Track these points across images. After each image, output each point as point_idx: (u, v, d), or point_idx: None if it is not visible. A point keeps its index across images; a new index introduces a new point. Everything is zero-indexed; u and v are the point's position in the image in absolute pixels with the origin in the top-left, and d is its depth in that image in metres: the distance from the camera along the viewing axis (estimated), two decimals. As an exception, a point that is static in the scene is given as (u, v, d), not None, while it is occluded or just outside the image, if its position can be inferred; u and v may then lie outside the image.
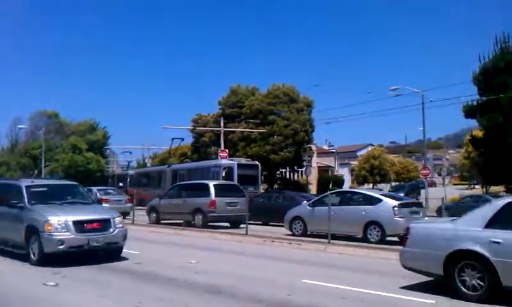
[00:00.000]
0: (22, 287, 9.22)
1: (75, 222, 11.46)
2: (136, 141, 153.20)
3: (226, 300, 8.22)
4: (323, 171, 71.88)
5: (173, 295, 8.54)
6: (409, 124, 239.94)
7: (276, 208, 24.69)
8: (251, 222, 20.73)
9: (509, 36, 33.49)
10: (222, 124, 49.85)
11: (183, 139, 53.52)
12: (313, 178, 58.38)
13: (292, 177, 57.84)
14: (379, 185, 64.86)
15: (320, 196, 20.68)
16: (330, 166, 76.53)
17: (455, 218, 9.26)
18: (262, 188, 41.82)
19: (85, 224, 11.67)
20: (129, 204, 30.05)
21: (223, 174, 35.60)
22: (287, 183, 53.10)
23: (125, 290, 9.06)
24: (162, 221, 24.34)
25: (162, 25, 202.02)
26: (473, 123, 38.11)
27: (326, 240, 15.93)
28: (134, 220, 24.34)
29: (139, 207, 28.87)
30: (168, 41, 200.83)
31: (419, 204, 19.42)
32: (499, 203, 8.68)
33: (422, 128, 43.47)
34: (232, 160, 38.63)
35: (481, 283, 7.98)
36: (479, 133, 37.13)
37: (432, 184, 67.51)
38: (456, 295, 8.18)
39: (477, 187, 61.44)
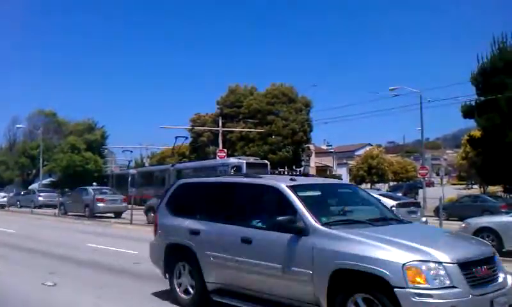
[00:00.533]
0: (21, 287, 9.21)
1: (465, 265, 5.45)
2: (134, 140, 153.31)
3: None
4: (321, 170, 71.94)
5: (171, 295, 8.54)
6: (408, 124, 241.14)
7: None
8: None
9: (507, 36, 33.55)
10: (220, 124, 49.86)
11: (187, 138, 53.68)
12: (311, 178, 58.37)
13: (290, 177, 57.78)
14: (377, 185, 64.93)
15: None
16: (328, 166, 76.65)
17: None
18: None
19: (475, 268, 5.58)
20: (124, 204, 30.45)
21: (231, 173, 35.02)
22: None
23: (124, 289, 9.06)
24: None
25: (161, 24, 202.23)
26: (471, 123, 38.19)
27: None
28: (132, 220, 24.32)
29: (141, 207, 28.65)
30: (166, 41, 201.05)
31: (417, 204, 19.42)
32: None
33: (420, 128, 43.52)
34: (240, 159, 37.93)
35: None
36: (477, 133, 37.18)
37: (430, 184, 67.71)
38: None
39: (475, 187, 61.49)
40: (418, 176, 44.72)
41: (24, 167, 65.34)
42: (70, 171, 55.89)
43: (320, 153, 79.10)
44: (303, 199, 6.47)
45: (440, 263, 5.26)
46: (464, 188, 65.12)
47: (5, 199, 43.73)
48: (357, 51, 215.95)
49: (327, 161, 78.74)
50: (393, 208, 16.54)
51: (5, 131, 69.27)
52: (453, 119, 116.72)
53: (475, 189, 56.57)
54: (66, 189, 48.05)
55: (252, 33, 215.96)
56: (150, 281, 9.71)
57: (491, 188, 43.93)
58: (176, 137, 48.76)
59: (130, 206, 26.99)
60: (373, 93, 45.47)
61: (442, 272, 5.22)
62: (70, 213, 31.13)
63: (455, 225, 18.00)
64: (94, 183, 39.04)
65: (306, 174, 15.38)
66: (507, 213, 16.57)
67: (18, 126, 65.66)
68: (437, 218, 23.50)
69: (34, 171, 65.90)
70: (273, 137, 50.11)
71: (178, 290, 7.87)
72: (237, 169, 35.37)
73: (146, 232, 21.07)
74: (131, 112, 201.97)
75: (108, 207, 29.68)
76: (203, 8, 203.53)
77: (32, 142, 64.27)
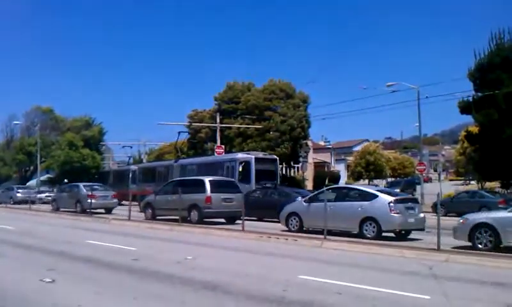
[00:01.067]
0: (19, 284, 9.20)
1: None
2: (132, 137, 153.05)
3: (222, 296, 8.23)
4: (319, 166, 71.99)
5: (169, 291, 8.55)
6: (405, 120, 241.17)
7: (270, 204, 24.83)
8: (246, 218, 20.79)
9: (504, 32, 33.56)
10: (218, 120, 49.80)
11: (189, 133, 53.61)
12: (309, 173, 58.52)
13: (288, 173, 57.85)
14: (375, 181, 65.05)
15: (317, 192, 20.72)
16: (326, 162, 76.69)
17: None
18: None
19: None
20: (115, 200, 31.29)
21: (240, 169, 34.11)
22: (283, 179, 53.14)
23: (122, 286, 9.07)
24: (157, 217, 24.35)
25: (158, 20, 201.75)
26: (469, 119, 38.24)
27: (322, 236, 15.97)
28: (130, 216, 24.33)
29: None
30: (163, 37, 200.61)
31: (415, 200, 19.46)
32: None
33: (417, 124, 43.62)
34: (248, 154, 36.78)
35: None
36: (474, 129, 37.24)
37: (428, 180, 67.87)
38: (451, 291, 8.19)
39: (472, 182, 61.62)
40: (416, 172, 44.81)
41: (21, 164, 65.16)
42: (68, 167, 55.76)
43: (318, 149, 79.13)
44: None
45: None
46: (462, 184, 65.35)
47: None
48: (354, 47, 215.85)
49: (325, 157, 78.76)
50: (391, 204, 16.64)
51: (2, 127, 68.95)
52: (451, 115, 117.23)
53: (473, 185, 56.69)
54: (57, 185, 48.55)
55: (250, 30, 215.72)
56: (148, 278, 9.72)
57: (488, 184, 44.03)
58: (179, 133, 48.63)
59: (126, 202, 26.98)
60: (366, 88, 45.85)
61: None
62: (62, 209, 31.55)
63: (453, 221, 18.04)
64: (96, 177, 39.77)
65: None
66: (504, 208, 16.61)
67: (15, 122, 65.60)
68: (435, 214, 23.58)
69: (31, 168, 65.70)
70: (271, 133, 50.04)
71: None
72: (246, 164, 34.34)
73: (144, 229, 21.16)
74: (128, 109, 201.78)
75: (99, 203, 30.13)
76: (201, 5, 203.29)
77: (29, 139, 64.07)
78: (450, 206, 30.60)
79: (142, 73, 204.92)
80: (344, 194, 18.81)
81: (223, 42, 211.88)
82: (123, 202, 32.43)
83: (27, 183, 59.77)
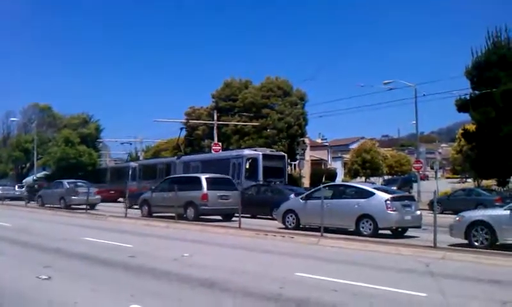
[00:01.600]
0: (15, 281, 9.18)
1: None
2: (128, 134, 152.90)
3: (219, 293, 8.23)
4: (316, 164, 71.93)
5: (166, 288, 8.55)
6: (402, 117, 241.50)
7: (264, 201, 24.99)
8: (241, 215, 20.88)
9: (501, 30, 33.61)
10: (215, 117, 49.76)
11: (186, 130, 53.60)
12: (306, 171, 58.44)
13: (285, 170, 57.76)
14: (372, 179, 65.06)
15: (313, 189, 20.75)
16: (323, 159, 76.62)
17: None
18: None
19: None
20: (97, 197, 32.60)
21: (246, 166, 33.57)
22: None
23: (119, 283, 9.06)
24: (154, 214, 24.35)
25: (156, 18, 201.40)
26: (465, 117, 38.27)
27: (319, 233, 15.98)
28: (127, 213, 24.35)
29: None
30: (161, 35, 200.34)
31: (411, 198, 19.48)
32: None
33: (414, 122, 43.72)
34: (255, 150, 35.92)
35: None
36: (471, 127, 37.32)
37: (425, 178, 67.92)
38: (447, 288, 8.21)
39: (469, 180, 61.72)
40: (413, 169, 44.86)
41: (18, 161, 64.98)
42: (64, 163, 55.59)
43: (315, 146, 79.12)
44: None
45: None
46: (459, 182, 65.39)
47: None
48: (352, 44, 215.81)
49: (322, 155, 78.65)
50: (388, 202, 16.65)
51: (-1, 124, 68.75)
52: (448, 113, 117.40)
53: (470, 183, 56.79)
54: (39, 182, 48.92)
55: (247, 27, 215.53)
56: (145, 275, 9.72)
57: (485, 182, 44.09)
58: (181, 129, 48.59)
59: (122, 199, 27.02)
60: (363, 86, 45.60)
61: None
62: (46, 205, 32.62)
63: (449, 218, 18.09)
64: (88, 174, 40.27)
65: None
66: (501, 206, 16.65)
67: (12, 119, 65.37)
68: (431, 212, 23.61)
69: (28, 165, 65.57)
70: (268, 130, 50.02)
71: None
72: (253, 161, 33.69)
73: (140, 226, 21.15)
74: (126, 106, 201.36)
75: (81, 199, 30.81)
76: (199, 3, 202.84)
77: (26, 136, 63.94)
78: (446, 204, 30.65)
79: (139, 70, 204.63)
80: (341, 192, 18.83)
81: (220, 40, 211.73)
82: (121, 199, 32.52)
83: (24, 180, 59.62)
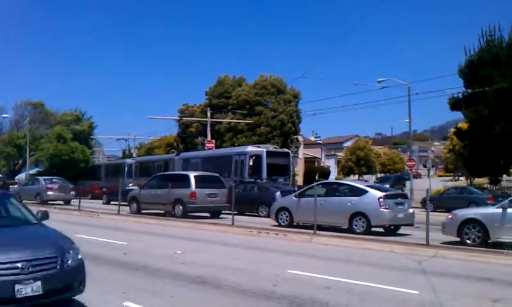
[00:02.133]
0: None
1: None
2: (122, 131, 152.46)
3: (211, 290, 8.22)
4: (309, 162, 71.97)
5: (158, 285, 8.52)
6: (396, 116, 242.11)
7: (251, 198, 25.11)
8: (228, 212, 20.93)
9: (494, 29, 33.67)
10: (209, 114, 49.70)
11: (180, 128, 53.52)
12: (299, 169, 58.47)
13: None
14: (365, 177, 65.26)
15: (307, 187, 20.77)
16: (316, 157, 76.65)
17: None
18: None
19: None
20: (73, 193, 33.53)
21: (250, 163, 32.61)
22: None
23: (111, 280, 9.02)
24: (142, 211, 24.45)
25: (150, 15, 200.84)
26: (458, 115, 38.34)
27: (312, 231, 15.99)
28: (120, 210, 24.33)
29: None
30: (155, 32, 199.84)
31: (404, 196, 19.54)
32: None
33: (407, 120, 43.74)
34: (259, 147, 34.76)
35: None
36: (464, 125, 37.36)
37: (418, 176, 68.11)
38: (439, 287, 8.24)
39: (461, 178, 61.98)
40: (406, 167, 44.99)
41: (10, 157, 64.62)
42: (57, 160, 55.31)
43: (308, 144, 79.09)
44: None
45: None
46: (451, 180, 65.61)
47: None
48: (345, 43, 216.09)
49: (315, 152, 78.67)
50: (381, 200, 16.69)
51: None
52: (441, 111, 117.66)
53: (462, 181, 57.02)
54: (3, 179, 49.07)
55: (241, 24, 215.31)
56: (138, 272, 9.70)
57: (477, 180, 44.26)
58: (180, 125, 48.30)
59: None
60: (358, 84, 45.72)
61: None
62: (24, 201, 32.50)
63: (442, 216, 18.14)
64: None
65: None
66: (493, 204, 16.72)
67: (4, 115, 64.97)
68: (424, 209, 23.67)
69: (20, 161, 65.25)
70: (262, 128, 50.08)
71: None
72: (257, 158, 32.61)
73: (132, 223, 21.10)
74: (119, 104, 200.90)
75: (57, 195, 32.35)
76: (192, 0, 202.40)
77: (18, 132, 63.61)
78: (439, 202, 30.74)
79: (133, 68, 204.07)
80: (334, 189, 18.86)
81: (214, 37, 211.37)
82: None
83: (16, 177, 59.34)
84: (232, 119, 50.59)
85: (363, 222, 16.68)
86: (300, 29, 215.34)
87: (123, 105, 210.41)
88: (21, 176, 60.34)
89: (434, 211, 27.09)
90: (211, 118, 49.77)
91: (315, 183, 19.87)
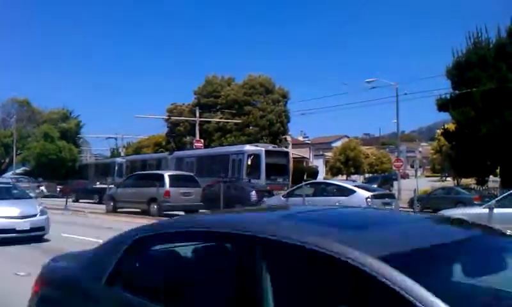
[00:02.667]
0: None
1: None
2: (110, 130, 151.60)
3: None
4: (298, 162, 72.07)
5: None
6: (383, 116, 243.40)
7: (227, 197, 25.11)
8: (202, 211, 20.98)
9: (482, 30, 33.87)
10: (197, 114, 49.59)
11: (168, 127, 53.29)
12: (288, 169, 58.49)
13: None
14: (353, 177, 65.47)
15: (295, 187, 20.81)
16: (305, 157, 76.80)
17: None
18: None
19: None
20: (39, 191, 34.88)
21: (248, 163, 31.35)
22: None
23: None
24: (118, 210, 24.54)
25: (139, 14, 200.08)
26: (446, 116, 38.54)
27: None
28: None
29: None
30: (143, 30, 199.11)
31: (392, 196, 19.68)
32: None
33: (395, 121, 43.95)
34: (257, 146, 33.82)
35: None
36: (451, 126, 37.56)
37: (405, 176, 68.46)
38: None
39: (448, 179, 62.40)
40: (393, 168, 45.14)
41: (-4, 156, 64.19)
42: (44, 159, 54.98)
43: (297, 144, 79.20)
44: None
45: None
46: (438, 181, 66.00)
47: None
48: (334, 43, 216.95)
49: (304, 152, 78.74)
50: (368, 199, 16.76)
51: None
52: (428, 112, 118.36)
53: (449, 181, 57.39)
54: None
55: (230, 24, 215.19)
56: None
57: (464, 181, 44.58)
58: (174, 123, 48.06)
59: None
60: (347, 84, 46.07)
61: None
62: None
63: (429, 216, 18.23)
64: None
65: None
66: (479, 205, 16.84)
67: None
68: (411, 209, 23.80)
69: (7, 160, 64.71)
70: (250, 128, 50.11)
71: None
72: (255, 157, 31.46)
73: (123, 222, 20.99)
74: (107, 103, 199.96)
75: None
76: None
77: (5, 131, 63.11)
78: (426, 202, 30.92)
79: (121, 66, 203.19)
80: (322, 189, 18.96)
81: (203, 37, 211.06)
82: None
83: (3, 176, 58.87)
84: (220, 118, 50.57)
85: (351, 221, 16.69)
86: (289, 30, 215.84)
87: (111, 104, 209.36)
88: (7, 175, 59.84)
89: (422, 211, 27.25)
90: (200, 117, 49.67)
91: (303, 183, 19.91)
